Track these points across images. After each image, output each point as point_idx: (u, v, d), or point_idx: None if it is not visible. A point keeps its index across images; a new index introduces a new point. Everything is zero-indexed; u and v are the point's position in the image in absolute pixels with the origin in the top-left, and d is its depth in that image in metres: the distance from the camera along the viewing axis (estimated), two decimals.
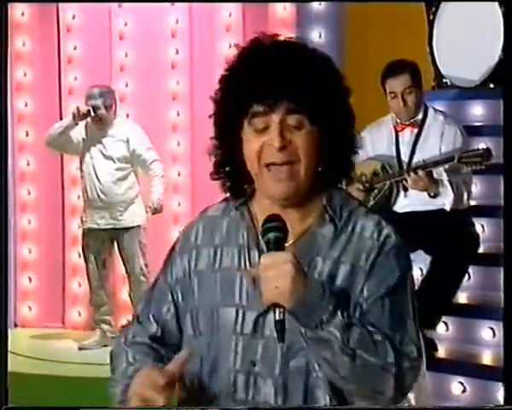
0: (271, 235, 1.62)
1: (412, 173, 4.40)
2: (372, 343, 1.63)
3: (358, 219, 1.75)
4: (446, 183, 4.39)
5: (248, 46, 1.73)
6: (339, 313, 1.61)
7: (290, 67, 1.67)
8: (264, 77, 1.66)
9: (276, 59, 1.68)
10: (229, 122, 1.74)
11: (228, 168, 1.78)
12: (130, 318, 1.93)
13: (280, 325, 1.57)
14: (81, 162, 6.19)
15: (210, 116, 1.78)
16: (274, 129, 1.67)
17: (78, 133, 6.13)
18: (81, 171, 6.21)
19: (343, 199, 1.79)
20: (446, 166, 4.42)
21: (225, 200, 1.87)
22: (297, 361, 1.69)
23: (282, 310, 1.57)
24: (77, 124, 6.02)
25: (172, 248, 1.92)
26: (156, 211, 6.13)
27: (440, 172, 4.45)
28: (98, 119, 6.02)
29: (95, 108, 5.98)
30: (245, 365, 1.72)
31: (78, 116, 5.97)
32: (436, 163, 4.43)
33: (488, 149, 4.34)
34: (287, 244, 1.66)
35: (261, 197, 1.79)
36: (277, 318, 1.57)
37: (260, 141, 1.69)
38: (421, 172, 4.37)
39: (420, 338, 1.73)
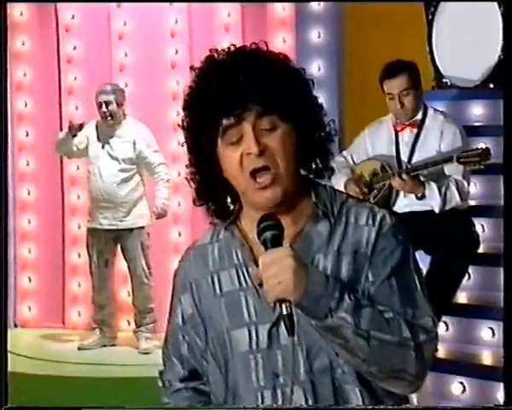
0: (268, 234, 1.62)
1: (397, 177, 4.43)
2: (384, 321, 1.64)
3: (351, 210, 1.76)
4: (433, 186, 4.39)
5: (202, 65, 1.73)
6: (346, 296, 1.61)
7: (249, 72, 1.67)
8: (227, 88, 1.66)
9: (232, 68, 1.69)
10: (203, 144, 1.72)
11: (210, 192, 1.77)
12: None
13: (288, 319, 1.57)
14: (88, 161, 6.22)
15: (182, 145, 1.77)
16: (248, 137, 1.66)
17: (86, 135, 6.18)
18: (88, 171, 6.24)
19: (331, 194, 1.79)
20: (445, 166, 4.43)
21: (212, 225, 1.86)
22: (320, 362, 1.69)
23: (288, 304, 1.58)
24: (75, 135, 6.07)
25: (173, 289, 1.91)
26: (160, 216, 6.15)
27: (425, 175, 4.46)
28: (109, 114, 6.05)
29: (107, 104, 6.02)
30: (268, 379, 1.72)
31: (73, 129, 6.04)
32: (435, 163, 4.44)
33: (487, 149, 4.34)
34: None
35: (249, 212, 1.77)
36: (285, 312, 1.57)
37: (238, 152, 1.68)
38: (405, 176, 4.39)
39: (432, 309, 1.73)
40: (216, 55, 1.73)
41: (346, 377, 1.69)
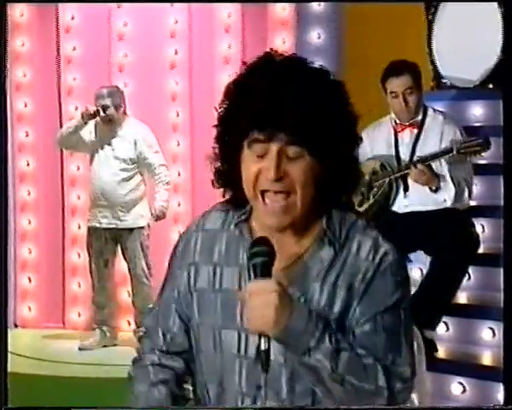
0: (258, 260, 1.61)
1: (413, 167, 4.40)
2: (362, 368, 1.63)
3: (355, 237, 1.72)
4: (448, 178, 4.39)
5: (258, 63, 1.69)
6: (327, 338, 1.60)
7: (295, 97, 1.62)
8: (267, 105, 1.62)
9: (281, 85, 1.63)
10: (230, 141, 1.71)
11: (229, 179, 1.75)
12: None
13: (265, 356, 1.57)
14: (90, 161, 6.22)
15: (213, 126, 1.75)
16: (271, 159, 1.64)
17: (89, 132, 6.17)
18: (89, 170, 6.24)
19: (342, 215, 1.75)
20: (446, 157, 4.41)
21: (225, 210, 1.83)
22: (303, 385, 1.69)
23: (266, 339, 1.58)
24: (86, 123, 6.05)
25: (172, 259, 1.91)
26: (159, 218, 6.15)
27: (442, 168, 4.44)
28: (108, 119, 6.05)
29: (104, 108, 6.01)
30: (251, 389, 1.73)
31: (87, 116, 6.02)
32: (435, 156, 4.42)
33: (487, 138, 4.33)
34: (281, 267, 1.68)
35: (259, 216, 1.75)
36: (262, 348, 1.58)
37: (257, 167, 1.66)
38: (421, 166, 4.37)
39: (414, 358, 1.72)
40: (273, 58, 1.69)
41: (325, 401, 1.69)
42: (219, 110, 1.73)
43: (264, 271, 1.60)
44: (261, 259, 1.61)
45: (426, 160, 4.41)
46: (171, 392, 1.84)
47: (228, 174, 1.74)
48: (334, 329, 1.63)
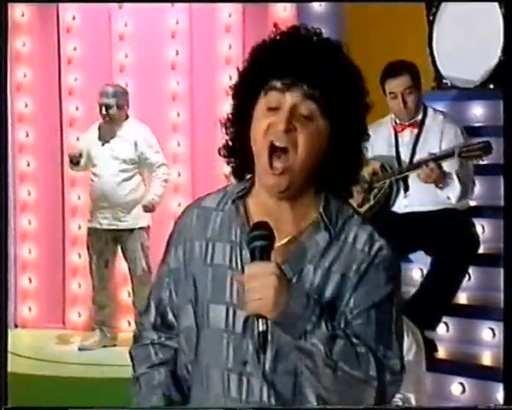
0: (257, 243, 1.62)
1: (424, 166, 4.38)
2: (355, 356, 1.64)
3: (352, 229, 1.74)
4: (454, 176, 4.38)
5: (286, 30, 1.74)
6: (323, 324, 1.62)
7: (318, 56, 1.68)
8: (289, 55, 1.67)
9: (306, 45, 1.69)
10: (247, 93, 1.73)
11: (237, 146, 1.76)
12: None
13: (262, 337, 1.59)
14: (90, 161, 6.23)
15: (230, 87, 1.78)
16: (284, 111, 1.66)
17: (89, 138, 6.21)
18: (91, 171, 6.25)
19: (339, 205, 1.77)
20: (446, 161, 4.41)
21: (223, 190, 1.85)
22: (285, 365, 1.70)
23: (264, 321, 1.59)
24: (78, 163, 6.16)
25: (171, 236, 1.93)
26: (147, 209, 6.12)
27: (450, 166, 4.42)
28: (109, 118, 6.06)
29: (107, 107, 6.03)
30: (237, 365, 1.74)
31: (75, 158, 6.14)
32: (436, 159, 4.41)
33: (488, 143, 4.33)
34: (277, 244, 1.68)
35: (259, 190, 1.77)
36: (260, 329, 1.59)
37: (269, 121, 1.68)
38: (432, 165, 4.35)
39: (403, 353, 1.74)
40: (302, 30, 1.74)
41: (307, 383, 1.70)
42: (241, 68, 1.76)
43: (263, 254, 1.62)
44: (260, 243, 1.62)
45: (427, 161, 4.40)
46: (172, 372, 1.87)
47: (238, 139, 1.76)
48: (330, 316, 1.65)
